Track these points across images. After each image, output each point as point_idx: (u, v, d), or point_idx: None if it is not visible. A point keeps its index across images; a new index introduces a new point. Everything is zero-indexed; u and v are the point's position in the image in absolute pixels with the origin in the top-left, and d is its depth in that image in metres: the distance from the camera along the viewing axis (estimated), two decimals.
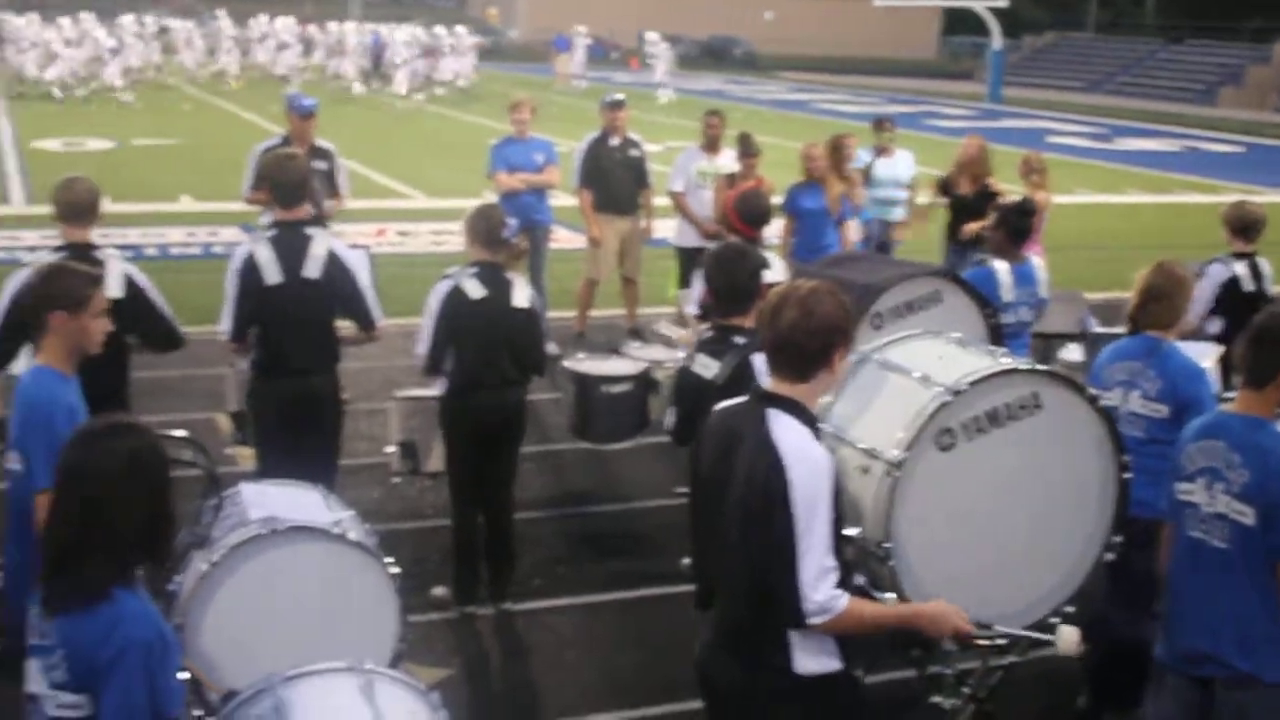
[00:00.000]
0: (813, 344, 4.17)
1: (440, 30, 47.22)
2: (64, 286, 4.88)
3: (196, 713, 4.51)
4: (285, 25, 47.54)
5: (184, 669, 3.88)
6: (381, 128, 31.91)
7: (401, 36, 44.94)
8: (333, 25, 49.57)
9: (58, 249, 6.75)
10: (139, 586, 3.69)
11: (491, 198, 10.79)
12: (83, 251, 6.58)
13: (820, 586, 4.03)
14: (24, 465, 4.92)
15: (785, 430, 4.10)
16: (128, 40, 42.29)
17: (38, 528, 4.75)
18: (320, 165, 10.73)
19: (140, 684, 3.56)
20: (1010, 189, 11.75)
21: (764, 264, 6.58)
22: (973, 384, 4.85)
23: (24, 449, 4.92)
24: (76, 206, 6.82)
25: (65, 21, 40.76)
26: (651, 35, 45.04)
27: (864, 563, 4.81)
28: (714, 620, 4.43)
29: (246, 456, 7.56)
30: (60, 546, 3.67)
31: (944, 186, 12.29)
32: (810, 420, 4.21)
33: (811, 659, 4.17)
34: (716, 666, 4.38)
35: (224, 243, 17.02)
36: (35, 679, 3.71)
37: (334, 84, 42.92)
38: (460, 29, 47.26)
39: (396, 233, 18.31)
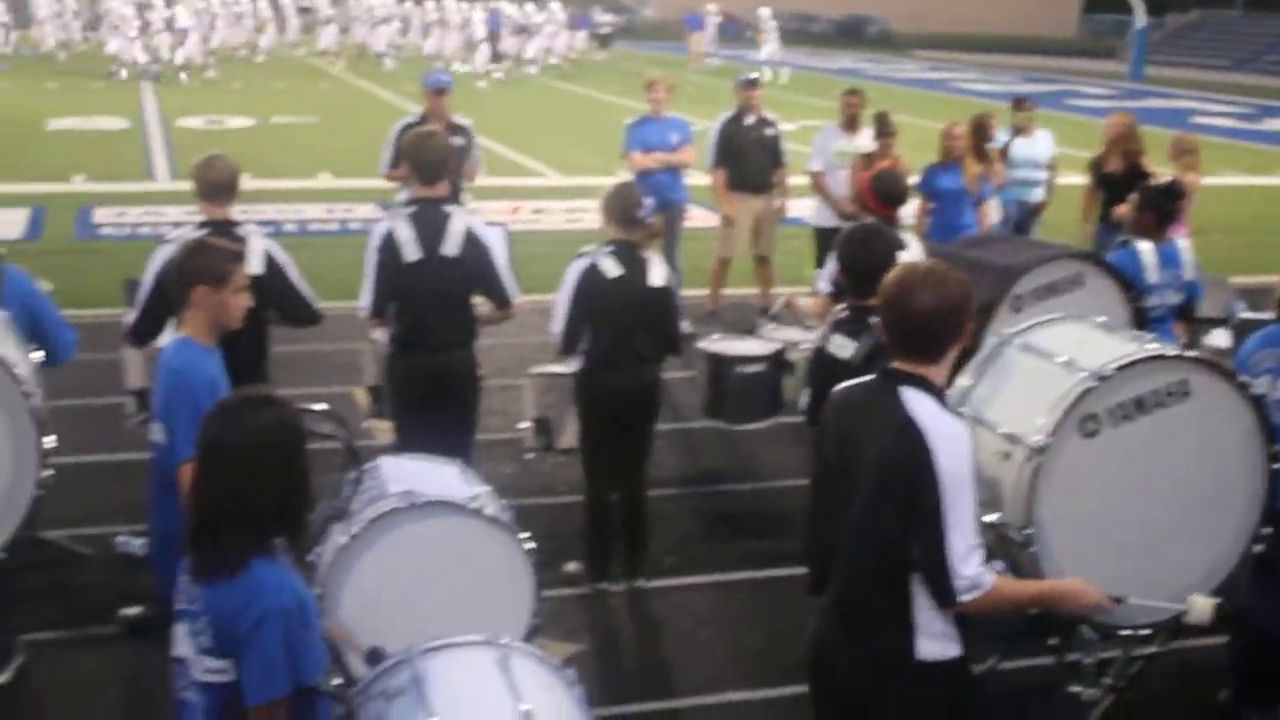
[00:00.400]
0: (945, 325, 4.11)
1: (530, 7, 46.63)
2: (206, 262, 4.97)
3: (337, 681, 4.57)
4: (382, 1, 47.16)
5: (326, 631, 3.94)
6: (515, 106, 32.09)
7: (480, 16, 44.40)
8: (430, 2, 48.91)
9: (200, 225, 6.88)
10: (279, 556, 3.75)
11: (626, 177, 10.79)
12: (224, 228, 6.70)
13: (970, 562, 3.98)
14: (167, 436, 5.02)
15: (922, 406, 4.05)
16: (218, 14, 42.53)
17: (181, 497, 4.87)
18: (458, 141, 10.82)
19: (279, 652, 3.62)
20: (1159, 171, 11.49)
21: (900, 244, 6.52)
22: (1119, 369, 4.76)
23: (167, 420, 5.02)
24: (216, 184, 6.94)
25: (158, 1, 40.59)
26: (764, 11, 44.57)
27: (1004, 549, 4.74)
28: (830, 601, 4.39)
29: (383, 430, 7.66)
30: (201, 518, 3.75)
31: (1095, 165, 12.06)
32: (942, 398, 4.16)
33: (933, 644, 4.13)
34: (833, 648, 4.34)
35: (361, 219, 17.27)
36: (183, 643, 3.79)
37: (435, 62, 42.95)
38: (554, 5, 46.80)
39: (531, 210, 18.41)
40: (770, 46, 44.09)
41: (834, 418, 4.36)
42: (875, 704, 4.22)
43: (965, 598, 4.00)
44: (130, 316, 6.98)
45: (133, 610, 6.95)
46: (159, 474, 5.12)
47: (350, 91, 35.36)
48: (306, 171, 21.22)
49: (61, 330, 6.42)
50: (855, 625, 4.26)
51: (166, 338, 6.84)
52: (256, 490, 3.67)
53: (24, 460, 4.77)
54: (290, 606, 3.65)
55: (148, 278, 6.85)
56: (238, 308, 5.06)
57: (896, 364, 4.19)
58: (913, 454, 3.98)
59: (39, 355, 5.37)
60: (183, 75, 35.91)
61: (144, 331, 6.94)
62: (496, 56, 42.68)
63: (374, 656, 4.41)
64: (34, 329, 5.90)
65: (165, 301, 6.60)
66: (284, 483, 3.72)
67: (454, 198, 7.62)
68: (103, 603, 7.22)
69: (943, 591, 4.01)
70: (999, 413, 4.90)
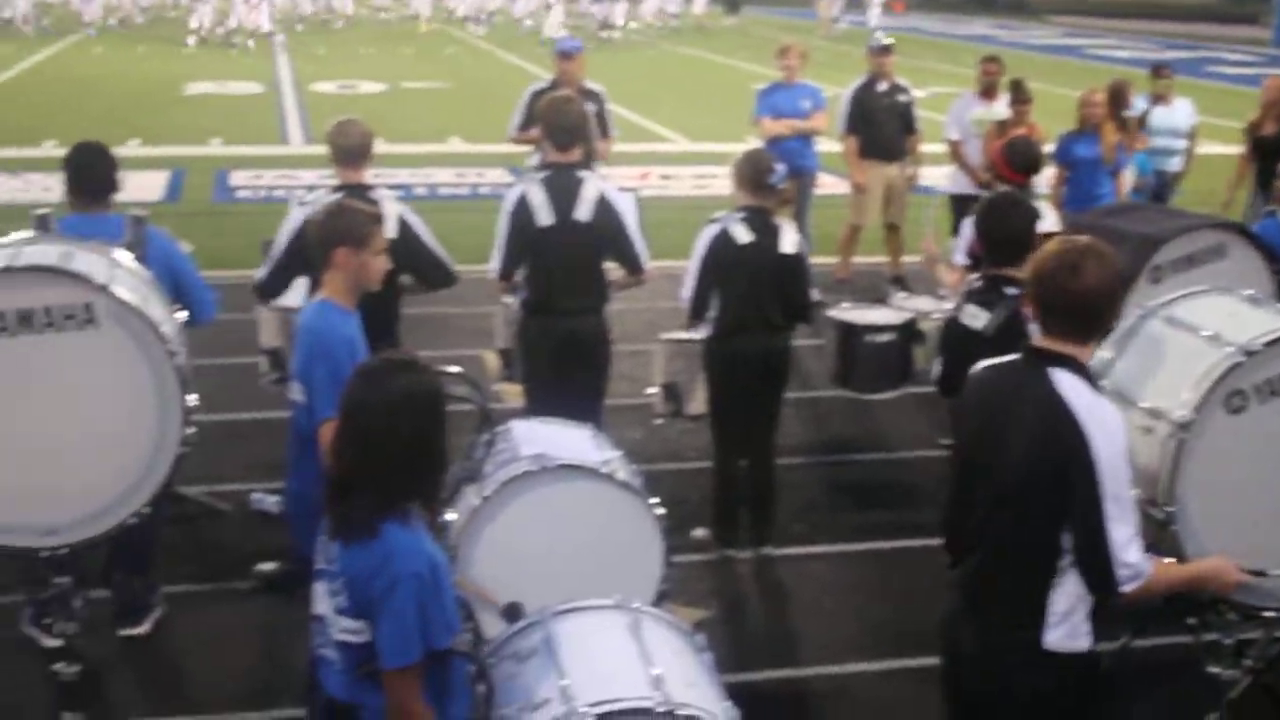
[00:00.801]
0: (1109, 303, 4.02)
1: None
2: (348, 224, 5.03)
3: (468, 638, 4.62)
4: None
5: (460, 588, 3.97)
6: (643, 70, 32.06)
7: None
8: None
9: (335, 189, 6.97)
10: (414, 520, 3.77)
11: (755, 143, 10.74)
12: (358, 192, 6.77)
13: (1131, 550, 3.90)
14: (306, 396, 5.10)
15: (1075, 390, 3.95)
16: None
17: (319, 456, 4.95)
18: (590, 107, 10.82)
19: (413, 617, 3.65)
20: None
21: (1037, 214, 6.41)
22: (1268, 344, 4.64)
23: (306, 380, 5.09)
24: (351, 149, 7.02)
25: None
26: None
27: (1144, 527, 4.65)
28: (963, 580, 4.33)
29: (513, 393, 7.72)
30: (339, 480, 3.80)
31: (1249, 130, 11.77)
32: (1091, 379, 4.06)
33: (1063, 635, 4.06)
34: (962, 628, 4.29)
35: (490, 183, 17.40)
36: (321, 601, 3.86)
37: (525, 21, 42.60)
38: None
39: (659, 176, 18.39)
40: (876, 11, 43.50)
41: (978, 397, 4.28)
42: (996, 689, 4.17)
43: (1127, 587, 3.93)
44: (260, 272, 7.11)
45: (268, 566, 7.10)
46: (297, 433, 5.20)
47: (481, 56, 35.56)
48: (437, 136, 21.39)
49: (203, 290, 6.54)
50: (985, 607, 4.21)
51: (293, 298, 6.96)
52: (393, 454, 3.70)
53: (169, 418, 4.87)
54: (423, 571, 3.68)
55: (281, 237, 6.96)
56: (377, 270, 5.11)
57: (1045, 342, 4.09)
58: (1065, 441, 3.89)
59: (183, 315, 5.47)
60: (250, 41, 35.85)
61: (271, 288, 7.07)
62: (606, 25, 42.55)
63: (512, 612, 4.43)
64: (176, 289, 6.01)
65: (296, 261, 6.72)
66: (421, 447, 3.75)
67: (587, 164, 7.63)
68: (238, 558, 7.39)
69: (1103, 581, 3.93)
70: (1142, 387, 4.80)
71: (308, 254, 6.57)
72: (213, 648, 6.65)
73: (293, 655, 6.33)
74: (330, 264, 5.06)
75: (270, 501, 7.93)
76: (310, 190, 7.76)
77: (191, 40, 35.86)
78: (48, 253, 4.95)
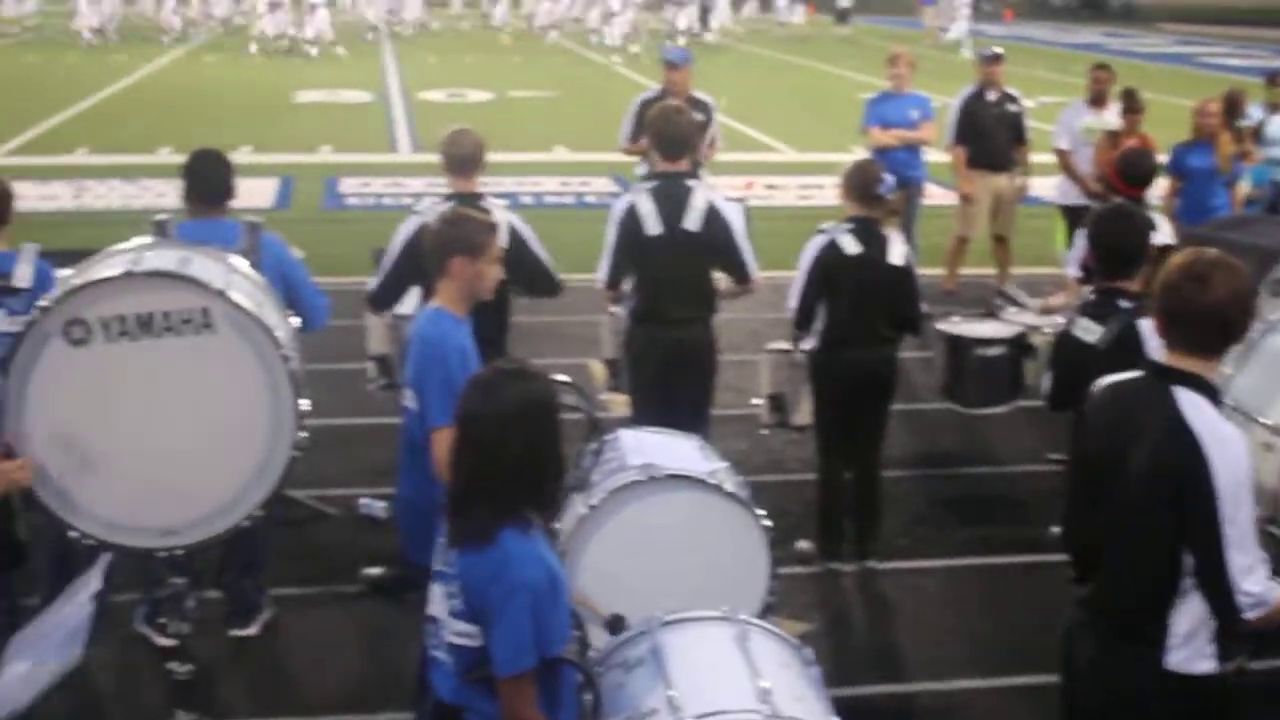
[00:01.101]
0: (1238, 318, 3.94)
1: None
2: (465, 232, 5.05)
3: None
4: None
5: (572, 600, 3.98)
6: (747, 80, 32.01)
7: None
8: None
9: (447, 198, 7.02)
10: (533, 529, 3.79)
11: (862, 153, 10.68)
12: (470, 201, 6.82)
13: (1252, 578, 3.82)
14: (418, 403, 5.14)
15: (1198, 411, 3.88)
16: None
17: (432, 465, 4.98)
18: (698, 117, 10.84)
19: (527, 625, 3.66)
20: None
21: (1152, 226, 6.32)
22: None
23: (418, 387, 5.12)
24: (463, 158, 7.06)
25: None
26: None
27: (1266, 546, 4.56)
28: (1087, 597, 4.27)
29: (619, 403, 7.72)
30: (458, 487, 3.83)
31: None
32: (1217, 399, 3.98)
33: (1187, 657, 3.99)
34: (1082, 645, 4.23)
35: (596, 192, 17.47)
36: (438, 603, 3.89)
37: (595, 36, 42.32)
38: None
39: (764, 186, 18.35)
40: (961, 23, 43.01)
41: (1099, 414, 4.21)
42: (1114, 708, 4.12)
43: (1250, 615, 3.85)
44: (372, 283, 7.18)
45: (375, 570, 7.16)
46: (409, 440, 5.24)
47: (586, 66, 35.72)
48: (542, 145, 21.51)
49: (315, 296, 6.61)
50: (1106, 624, 4.15)
51: (406, 305, 7.02)
52: (509, 463, 3.72)
53: (282, 422, 4.93)
54: (539, 580, 3.69)
55: (394, 246, 7.03)
56: (492, 279, 5.14)
57: (1170, 359, 4.02)
58: (1185, 463, 3.82)
59: (295, 321, 5.54)
60: (312, 50, 36.01)
61: (384, 298, 7.15)
62: (704, 19, 42.40)
63: (615, 624, 4.45)
64: (289, 295, 6.08)
65: (409, 271, 6.78)
66: (536, 456, 3.77)
67: (694, 173, 7.63)
68: (345, 562, 7.47)
69: (1225, 609, 3.87)
70: (1262, 403, 4.71)
71: (421, 263, 6.64)
72: (320, 650, 6.73)
73: (400, 660, 6.39)
74: (445, 272, 5.08)
75: (377, 507, 8.01)
76: (418, 198, 7.82)
77: (253, 48, 36.45)
78: (167, 258, 5.03)
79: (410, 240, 6.84)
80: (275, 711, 6.21)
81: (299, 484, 7.69)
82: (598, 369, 8.33)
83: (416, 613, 6.09)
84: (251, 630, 6.78)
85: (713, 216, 7.12)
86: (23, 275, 6.16)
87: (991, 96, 12.48)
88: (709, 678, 4.09)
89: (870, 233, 7.22)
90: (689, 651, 4.20)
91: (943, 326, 8.62)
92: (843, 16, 51.20)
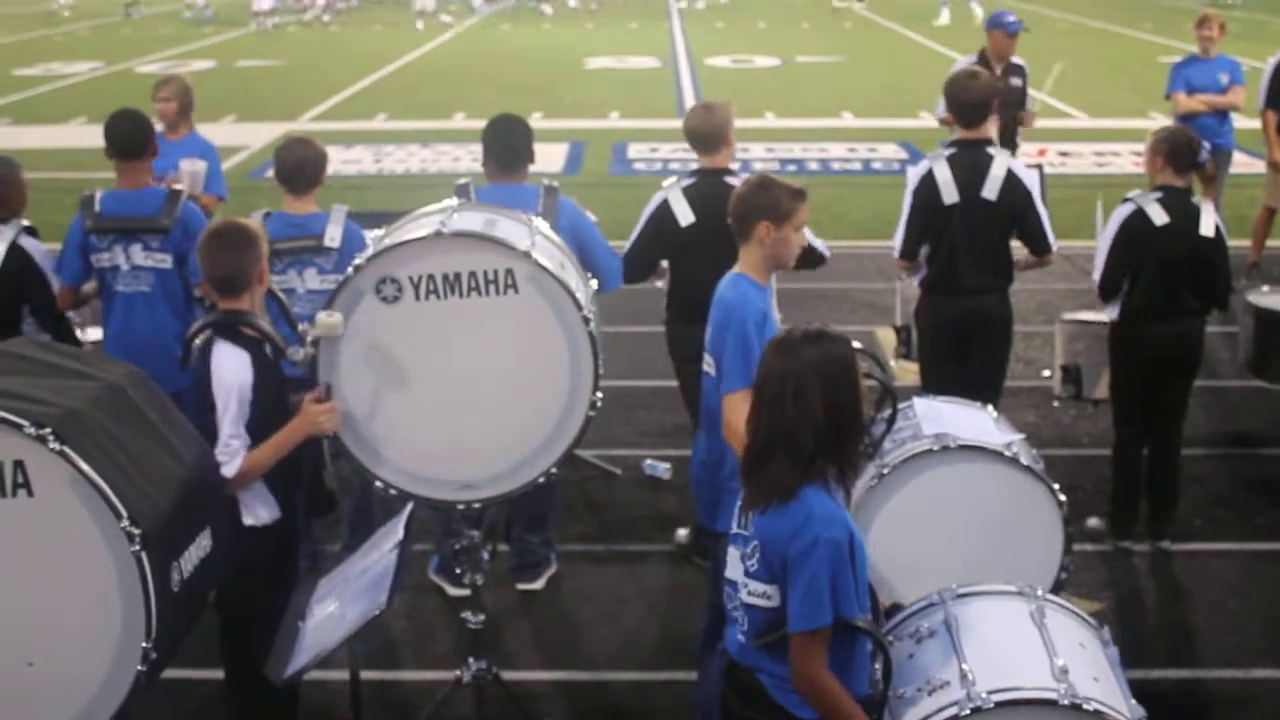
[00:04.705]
0: None
1: None
2: (772, 198, 5.03)
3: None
4: None
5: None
6: (1039, 42, 31.11)
7: None
8: None
9: (692, 174, 6.95)
10: (833, 489, 3.80)
11: (1162, 120, 10.28)
12: (717, 177, 6.76)
13: None
14: (716, 367, 5.15)
15: None
16: None
17: (725, 430, 5.01)
18: (1015, 82, 10.71)
19: (825, 581, 3.67)
20: None
21: None
22: None
23: (716, 352, 5.14)
24: (704, 135, 6.89)
25: None
26: None
27: None
28: None
29: (908, 371, 7.65)
30: (755, 447, 3.85)
31: None
32: None
33: None
34: None
35: (883, 159, 17.25)
36: (734, 565, 3.92)
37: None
38: None
39: (1057, 153, 17.82)
40: None
41: None
42: None
43: None
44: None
45: (684, 531, 7.25)
46: (707, 405, 5.27)
47: (878, 31, 35.31)
48: (830, 110, 21.31)
49: (610, 258, 6.70)
50: None
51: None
52: (809, 422, 3.73)
53: (580, 381, 5.02)
54: (840, 539, 3.70)
55: (641, 220, 6.98)
56: (795, 245, 5.11)
57: None
58: None
59: (593, 283, 5.63)
60: (418, 24, 36.66)
61: (631, 273, 7.00)
62: None
63: (892, 613, 4.43)
64: (583, 257, 6.17)
65: (655, 245, 6.89)
66: (836, 415, 3.76)
67: (1009, 139, 7.41)
68: (628, 520, 7.61)
69: None
70: None
71: (667, 237, 6.70)
72: (603, 606, 6.85)
73: (681, 620, 6.50)
74: (749, 237, 5.08)
75: (662, 468, 8.12)
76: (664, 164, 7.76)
77: (420, 25, 37.08)
78: (473, 220, 5.17)
79: (654, 214, 6.87)
80: (560, 664, 6.37)
81: (586, 444, 7.85)
82: (887, 336, 8.27)
83: (700, 575, 6.17)
84: (538, 584, 6.96)
85: (1012, 184, 6.94)
86: (333, 235, 6.45)
87: None
88: (1004, 653, 4.02)
89: (1181, 202, 6.96)
90: (983, 625, 4.14)
91: (1253, 299, 8.26)
92: None
